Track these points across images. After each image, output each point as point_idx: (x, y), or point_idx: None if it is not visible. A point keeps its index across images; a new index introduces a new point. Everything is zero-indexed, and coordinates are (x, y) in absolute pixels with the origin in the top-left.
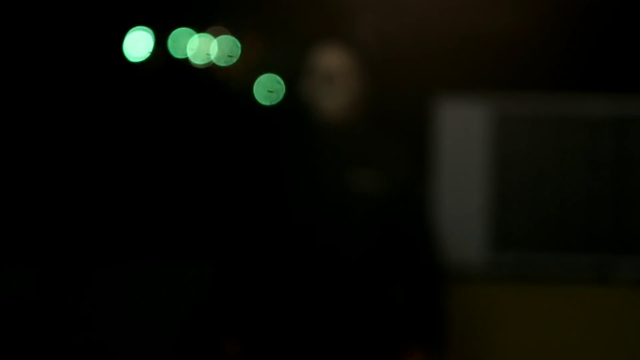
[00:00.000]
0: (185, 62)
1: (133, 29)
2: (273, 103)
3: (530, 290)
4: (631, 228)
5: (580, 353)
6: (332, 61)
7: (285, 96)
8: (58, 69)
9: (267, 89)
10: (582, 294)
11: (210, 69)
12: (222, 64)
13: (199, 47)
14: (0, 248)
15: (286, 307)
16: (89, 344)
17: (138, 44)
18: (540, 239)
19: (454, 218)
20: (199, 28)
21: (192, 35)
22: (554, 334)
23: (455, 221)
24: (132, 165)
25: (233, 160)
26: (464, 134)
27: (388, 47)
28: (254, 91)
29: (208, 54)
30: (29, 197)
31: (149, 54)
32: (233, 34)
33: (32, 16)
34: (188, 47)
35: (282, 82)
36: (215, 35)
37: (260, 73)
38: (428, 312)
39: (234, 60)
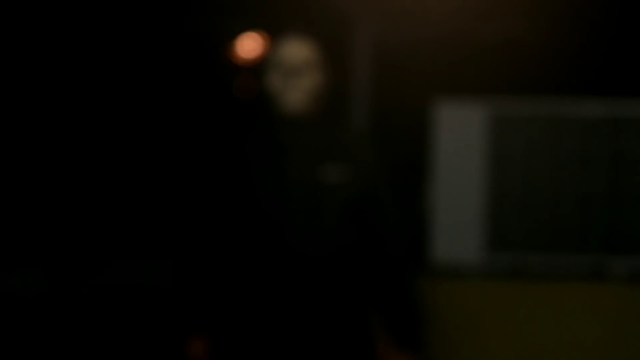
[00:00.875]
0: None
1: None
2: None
3: (525, 287)
4: (624, 228)
5: (574, 347)
6: (297, 52)
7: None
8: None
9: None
10: (575, 290)
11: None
12: None
13: None
14: (9, 249)
15: (254, 305)
16: (95, 341)
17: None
18: (535, 239)
19: (451, 219)
20: None
21: None
22: (547, 329)
23: (453, 222)
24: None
25: (198, 155)
26: (461, 135)
27: (388, 52)
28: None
29: None
30: (34, 199)
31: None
32: None
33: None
34: None
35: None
36: None
37: None
38: (400, 311)
39: None
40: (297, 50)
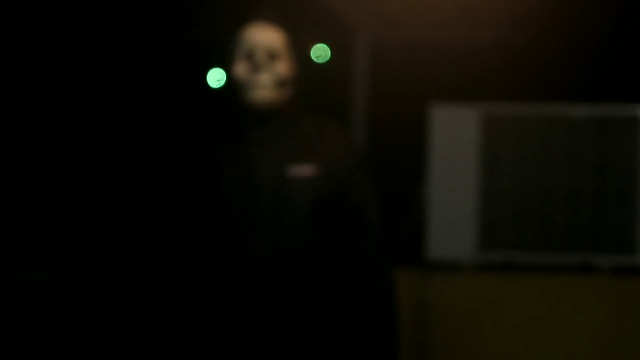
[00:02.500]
0: None
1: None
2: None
3: (515, 280)
4: (609, 227)
5: (561, 334)
6: (265, 38)
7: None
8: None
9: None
10: (563, 282)
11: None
12: None
13: None
14: (20, 244)
15: (221, 311)
16: (102, 334)
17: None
18: (525, 239)
19: (445, 220)
20: None
21: None
22: (537, 318)
23: (447, 223)
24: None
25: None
26: (455, 137)
27: (386, 57)
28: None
29: None
30: (46, 195)
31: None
32: None
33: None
34: None
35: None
36: None
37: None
38: (367, 335)
39: None
40: (265, 36)
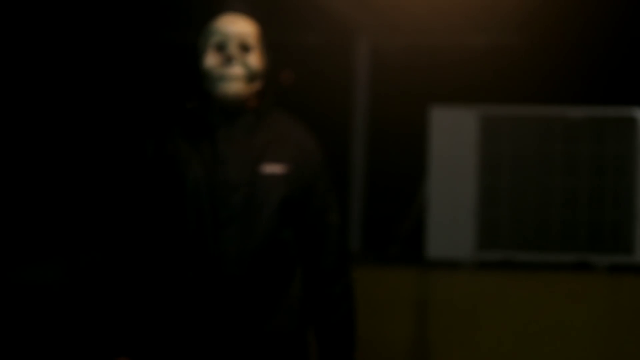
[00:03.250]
0: None
1: None
2: None
3: (513, 278)
4: (606, 226)
5: (558, 331)
6: (236, 29)
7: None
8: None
9: None
10: (559, 280)
11: None
12: None
13: None
14: (30, 241)
15: (182, 321)
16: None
17: None
18: (522, 238)
19: (444, 220)
20: None
21: None
22: (534, 315)
23: (446, 223)
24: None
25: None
26: (453, 138)
27: (386, 60)
28: None
29: None
30: (56, 191)
31: None
32: None
33: None
34: None
35: None
36: None
37: None
38: (331, 335)
39: None
40: (238, 27)
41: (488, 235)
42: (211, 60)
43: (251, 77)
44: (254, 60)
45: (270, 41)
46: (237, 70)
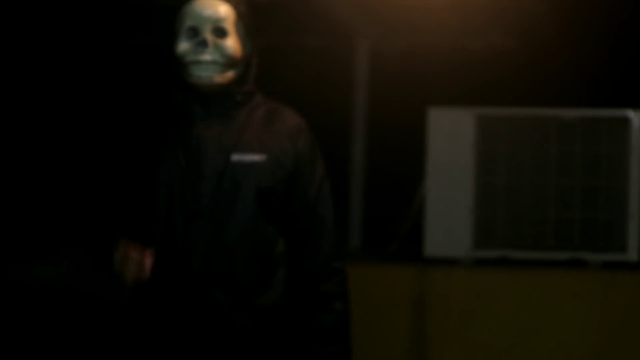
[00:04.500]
0: None
1: None
2: None
3: (508, 275)
4: (600, 225)
5: (552, 327)
6: (211, 12)
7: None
8: None
9: None
10: (554, 277)
11: None
12: None
13: None
14: (35, 237)
15: (155, 313)
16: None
17: None
18: (517, 237)
19: (442, 220)
20: None
21: None
22: (529, 311)
23: (443, 223)
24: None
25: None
26: (451, 139)
27: (385, 62)
28: None
29: None
30: (63, 187)
31: None
32: None
33: None
34: None
35: None
36: None
37: None
38: (317, 335)
39: None
40: (212, 11)
41: (484, 233)
42: (184, 44)
43: (227, 63)
44: (230, 45)
45: (252, 25)
46: (210, 55)
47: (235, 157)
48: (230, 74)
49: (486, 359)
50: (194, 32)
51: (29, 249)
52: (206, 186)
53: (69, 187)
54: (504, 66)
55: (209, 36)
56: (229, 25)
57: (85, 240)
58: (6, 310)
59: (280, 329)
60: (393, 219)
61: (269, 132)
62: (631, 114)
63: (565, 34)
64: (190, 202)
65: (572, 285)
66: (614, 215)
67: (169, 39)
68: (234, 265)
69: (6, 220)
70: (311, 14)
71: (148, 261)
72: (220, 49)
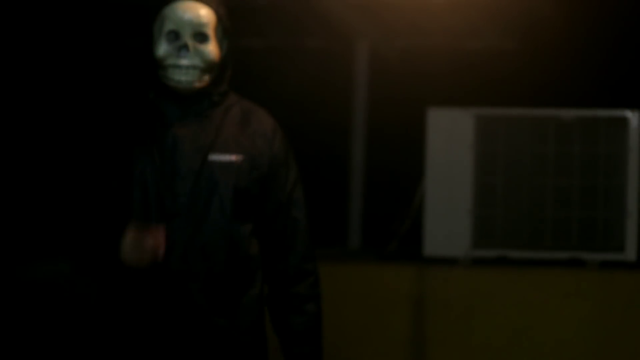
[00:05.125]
0: None
1: None
2: None
3: (507, 274)
4: (598, 224)
5: (551, 325)
6: (192, 17)
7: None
8: None
9: None
10: (552, 276)
11: None
12: None
13: None
14: (36, 237)
15: (133, 314)
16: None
17: None
18: (516, 236)
19: (443, 219)
20: None
21: None
22: (528, 310)
23: (444, 222)
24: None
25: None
26: (450, 140)
27: (384, 63)
28: None
29: None
30: (64, 186)
31: None
32: None
33: None
34: None
35: None
36: None
37: None
38: (291, 336)
39: None
40: (193, 15)
41: (483, 233)
42: (164, 48)
43: (206, 68)
44: (211, 50)
45: (229, 26)
46: (191, 60)
47: (212, 156)
48: (207, 77)
49: (485, 357)
50: (175, 36)
51: (29, 248)
52: (183, 186)
53: (61, 186)
54: (502, 67)
55: (189, 41)
56: (210, 30)
57: (81, 239)
58: (7, 309)
59: (257, 328)
60: (392, 219)
61: (244, 133)
62: (629, 114)
63: (563, 35)
64: (167, 201)
65: (570, 284)
66: (612, 215)
67: (144, 39)
68: (211, 265)
69: (7, 220)
70: (311, 15)
71: (162, 239)
72: (200, 54)
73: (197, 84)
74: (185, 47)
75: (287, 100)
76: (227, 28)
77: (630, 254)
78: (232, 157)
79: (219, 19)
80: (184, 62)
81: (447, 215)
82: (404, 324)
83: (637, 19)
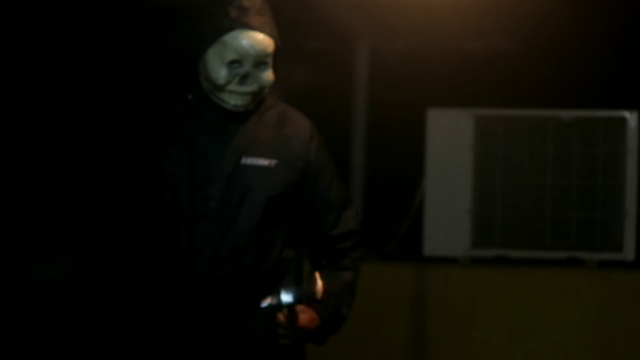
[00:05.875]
0: None
1: None
2: None
3: (506, 273)
4: (597, 224)
5: (550, 324)
6: (258, 48)
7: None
8: None
9: None
10: (551, 275)
11: None
12: None
13: None
14: (41, 235)
15: (159, 314)
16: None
17: None
18: (515, 236)
19: (442, 219)
20: None
21: None
22: (527, 309)
23: (444, 222)
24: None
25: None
26: (450, 140)
27: (385, 65)
28: None
29: None
30: (68, 185)
31: None
32: None
33: None
34: None
35: None
36: None
37: None
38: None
39: None
40: (256, 46)
41: (483, 233)
42: (225, 75)
43: (261, 91)
44: (268, 77)
45: (280, 49)
46: (250, 87)
47: (245, 160)
48: (256, 100)
49: (484, 356)
50: (237, 65)
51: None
52: (215, 189)
53: (72, 187)
54: (502, 68)
55: (251, 69)
56: (270, 58)
57: (88, 239)
58: (10, 309)
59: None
60: (392, 219)
61: (279, 137)
62: (627, 114)
63: (562, 36)
64: (198, 204)
65: (569, 284)
66: (610, 215)
67: (190, 43)
68: (238, 269)
69: (10, 220)
70: (312, 17)
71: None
72: (258, 80)
73: (251, 107)
74: (246, 75)
75: (287, 101)
76: (280, 49)
77: (628, 254)
78: (266, 162)
79: (276, 45)
80: (243, 89)
81: (447, 215)
82: (403, 323)
83: (637, 20)
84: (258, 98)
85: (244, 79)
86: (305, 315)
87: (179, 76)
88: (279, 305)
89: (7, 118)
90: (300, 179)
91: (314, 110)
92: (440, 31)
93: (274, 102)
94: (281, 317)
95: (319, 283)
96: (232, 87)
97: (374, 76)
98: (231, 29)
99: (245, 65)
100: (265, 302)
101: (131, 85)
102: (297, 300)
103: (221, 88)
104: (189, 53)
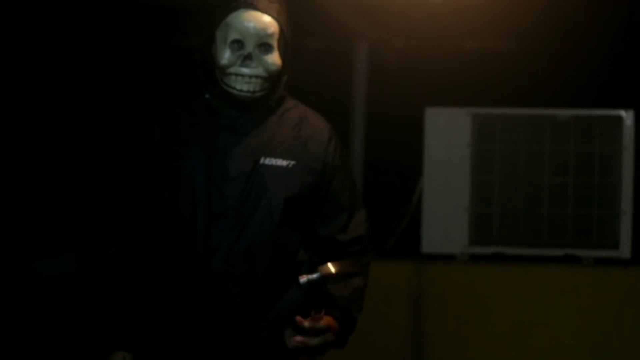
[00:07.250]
0: None
1: None
2: None
3: (503, 271)
4: (593, 222)
5: (547, 321)
6: (261, 28)
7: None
8: None
9: None
10: (548, 272)
11: None
12: None
13: None
14: (42, 231)
15: (180, 319)
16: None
17: None
18: (512, 234)
19: (440, 217)
20: None
21: None
22: (524, 306)
23: (442, 220)
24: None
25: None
26: (448, 139)
27: (383, 64)
28: None
29: None
30: (68, 180)
31: None
32: None
33: None
34: None
35: None
36: None
37: None
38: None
39: None
40: (259, 26)
41: (480, 230)
42: (228, 56)
43: (269, 77)
44: (274, 61)
45: (290, 34)
46: (254, 70)
47: (264, 160)
48: (268, 86)
49: (482, 353)
50: (239, 45)
51: (34, 244)
52: (232, 188)
53: (80, 184)
54: (499, 67)
55: (253, 51)
56: (274, 40)
57: (89, 234)
58: (12, 305)
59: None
60: (391, 216)
61: (298, 138)
62: (623, 113)
63: (559, 36)
64: (215, 202)
65: (565, 281)
66: (606, 213)
67: (204, 40)
68: (253, 268)
69: (12, 216)
70: (311, 16)
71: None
72: (264, 64)
73: (259, 94)
74: (249, 57)
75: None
76: (289, 36)
77: (624, 251)
78: (284, 162)
79: (282, 28)
80: (247, 71)
81: (445, 212)
82: (402, 319)
83: (634, 21)
84: (267, 85)
85: (246, 60)
86: (327, 318)
87: (197, 75)
88: (320, 279)
89: (7, 118)
90: (317, 181)
91: (313, 109)
92: (438, 31)
93: (294, 104)
94: (305, 321)
95: (332, 267)
96: (236, 69)
97: (372, 75)
98: (236, 9)
99: (247, 46)
100: (304, 279)
101: (140, 84)
102: (324, 277)
103: (225, 70)
104: (203, 48)
